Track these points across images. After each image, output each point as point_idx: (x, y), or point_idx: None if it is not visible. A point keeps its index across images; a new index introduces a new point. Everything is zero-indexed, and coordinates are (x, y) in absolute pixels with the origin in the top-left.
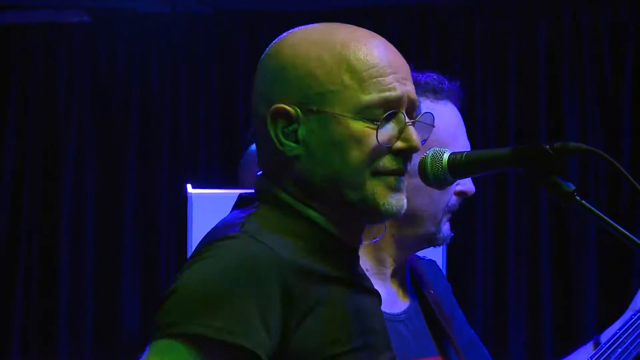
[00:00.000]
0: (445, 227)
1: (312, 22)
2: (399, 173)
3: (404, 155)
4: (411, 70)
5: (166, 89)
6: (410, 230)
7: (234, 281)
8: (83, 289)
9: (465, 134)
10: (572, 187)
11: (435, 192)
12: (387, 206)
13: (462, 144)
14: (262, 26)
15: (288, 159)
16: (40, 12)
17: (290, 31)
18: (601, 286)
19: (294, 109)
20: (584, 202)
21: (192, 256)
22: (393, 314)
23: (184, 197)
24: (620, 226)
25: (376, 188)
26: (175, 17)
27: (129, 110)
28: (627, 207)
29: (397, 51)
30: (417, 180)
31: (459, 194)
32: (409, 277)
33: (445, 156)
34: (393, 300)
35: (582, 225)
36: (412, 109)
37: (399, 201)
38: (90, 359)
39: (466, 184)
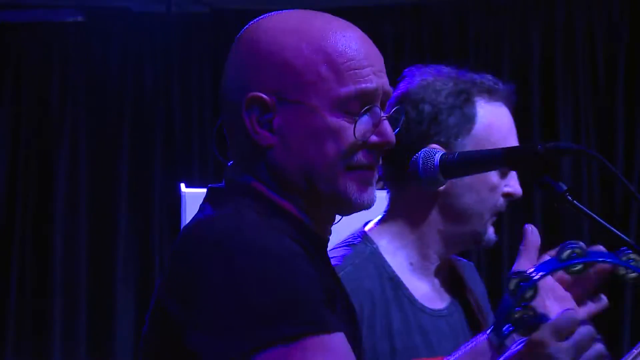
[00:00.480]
0: (491, 230)
1: None
2: (372, 167)
3: (378, 149)
4: (466, 70)
5: (160, 88)
6: (457, 228)
7: (293, 269)
8: (77, 288)
9: (516, 138)
10: (564, 188)
11: (484, 192)
12: (358, 200)
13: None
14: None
15: (262, 149)
16: (34, 12)
17: (264, 16)
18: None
19: (270, 97)
20: (575, 202)
21: (206, 249)
22: (435, 310)
23: (178, 196)
24: (613, 226)
25: (349, 182)
26: (169, 16)
27: (123, 109)
28: (619, 207)
29: (373, 43)
30: (468, 179)
31: (506, 195)
32: (450, 275)
33: (437, 156)
34: (435, 295)
35: (576, 223)
36: (385, 100)
37: (370, 195)
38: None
39: (513, 186)
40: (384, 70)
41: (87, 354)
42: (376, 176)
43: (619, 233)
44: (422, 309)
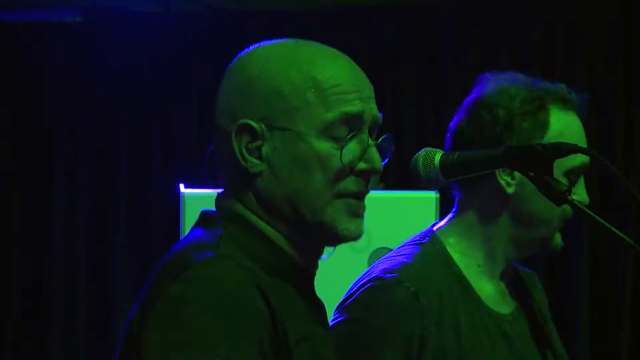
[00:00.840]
0: (558, 236)
1: (305, 22)
2: (360, 196)
3: (366, 176)
4: (540, 78)
5: (159, 88)
6: (525, 232)
7: (231, 310)
8: (76, 289)
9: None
10: (565, 187)
11: None
12: (345, 232)
13: (581, 158)
14: (256, 26)
15: (250, 176)
16: (33, 12)
17: (255, 45)
18: (591, 285)
19: (259, 125)
20: (576, 201)
21: (170, 278)
22: (500, 313)
23: (177, 196)
24: (613, 226)
25: (336, 212)
26: (168, 16)
27: (122, 109)
28: (619, 206)
29: (362, 71)
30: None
31: None
32: (515, 282)
33: (438, 156)
34: (501, 300)
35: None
36: (374, 128)
37: (358, 227)
38: None
39: (581, 194)
40: (373, 97)
41: (86, 355)
42: (364, 207)
43: (619, 233)
44: (488, 311)
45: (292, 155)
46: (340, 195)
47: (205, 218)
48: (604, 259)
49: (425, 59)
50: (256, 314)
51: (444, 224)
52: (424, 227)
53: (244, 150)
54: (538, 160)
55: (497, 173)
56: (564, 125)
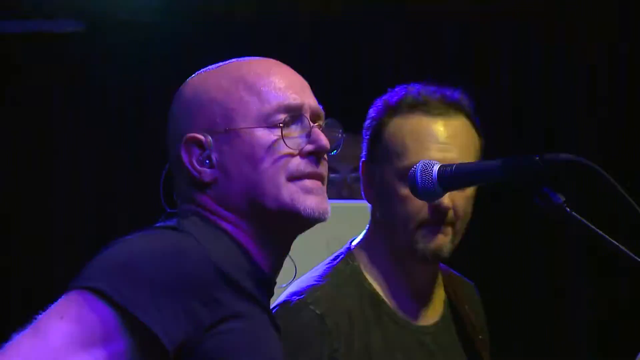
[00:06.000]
0: (422, 241)
1: (305, 30)
2: (315, 176)
3: (316, 157)
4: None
5: (160, 98)
6: (391, 241)
7: (163, 268)
8: None
9: None
10: (562, 199)
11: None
12: (307, 210)
13: None
14: (257, 34)
15: (206, 185)
16: (35, 22)
17: (194, 74)
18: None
19: (204, 135)
20: (573, 213)
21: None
22: (420, 326)
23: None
24: (612, 238)
25: (294, 194)
26: (170, 26)
27: (125, 119)
28: (619, 219)
29: (294, 71)
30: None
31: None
32: (444, 292)
33: (435, 168)
34: (423, 310)
35: (574, 235)
36: (317, 119)
37: (319, 204)
38: None
39: None
40: (310, 91)
41: None
42: (323, 186)
43: (618, 245)
44: (405, 325)
45: (238, 153)
46: (293, 178)
47: (165, 215)
48: (604, 259)
49: (427, 62)
50: (186, 279)
51: (360, 240)
52: None
53: (195, 162)
54: (535, 171)
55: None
56: (394, 129)
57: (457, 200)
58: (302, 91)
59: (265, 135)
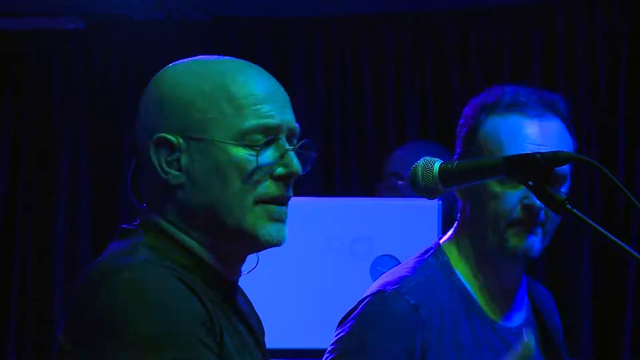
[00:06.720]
0: (515, 239)
1: (306, 29)
2: (282, 201)
3: (286, 181)
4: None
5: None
6: (484, 240)
7: (164, 313)
8: None
9: None
10: (564, 196)
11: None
12: (266, 237)
13: None
14: (258, 33)
15: (171, 188)
16: (34, 19)
17: (171, 65)
18: (595, 296)
19: (176, 137)
20: (575, 210)
21: (90, 288)
22: (505, 326)
23: None
24: (613, 235)
25: (257, 218)
26: (169, 23)
27: (124, 117)
28: (620, 215)
29: (276, 81)
30: None
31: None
32: (526, 297)
33: (437, 165)
34: (508, 311)
35: (576, 235)
36: (292, 137)
37: (279, 231)
38: None
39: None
40: (289, 106)
41: None
42: (286, 211)
43: (620, 242)
44: (491, 324)
45: (209, 165)
46: (260, 201)
47: (122, 232)
48: (606, 258)
49: (427, 66)
50: (195, 309)
51: (449, 236)
52: (426, 235)
53: (163, 163)
54: (537, 169)
55: None
56: (490, 127)
57: None
58: (281, 108)
59: (239, 154)
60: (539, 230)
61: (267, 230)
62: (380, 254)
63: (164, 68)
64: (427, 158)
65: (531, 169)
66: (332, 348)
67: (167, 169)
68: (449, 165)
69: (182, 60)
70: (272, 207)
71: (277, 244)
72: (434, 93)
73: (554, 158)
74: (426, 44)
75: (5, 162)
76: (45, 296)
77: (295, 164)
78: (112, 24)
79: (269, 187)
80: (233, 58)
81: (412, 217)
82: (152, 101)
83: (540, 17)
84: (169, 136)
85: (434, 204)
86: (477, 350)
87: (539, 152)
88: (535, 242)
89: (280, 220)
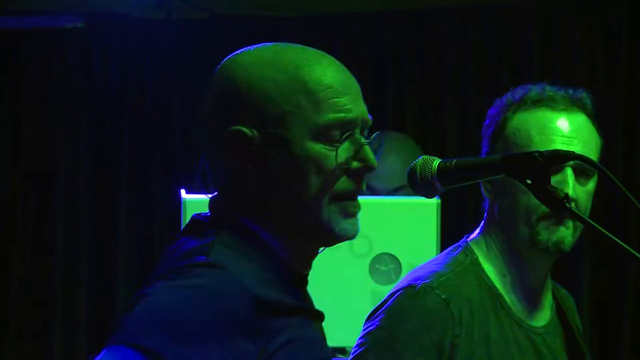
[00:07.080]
0: (545, 232)
1: (305, 27)
2: (355, 196)
3: (360, 175)
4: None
5: (160, 94)
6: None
7: (205, 314)
8: (77, 295)
9: None
10: (563, 195)
11: None
12: (342, 232)
13: None
14: (258, 32)
15: (246, 181)
16: (34, 18)
17: (239, 52)
18: (592, 296)
19: (251, 130)
20: (574, 209)
21: (161, 275)
22: (532, 325)
23: (178, 202)
24: (612, 234)
25: (332, 214)
26: (170, 22)
27: (124, 116)
28: (619, 214)
29: (348, 71)
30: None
31: None
32: (551, 298)
33: (435, 163)
34: (534, 311)
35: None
36: (365, 128)
37: (354, 226)
38: None
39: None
40: (361, 97)
41: (87, 357)
42: (359, 204)
43: (619, 241)
44: (519, 322)
45: (286, 159)
46: (336, 197)
47: (195, 224)
48: (606, 258)
49: (428, 63)
50: (231, 324)
51: (476, 235)
52: (425, 233)
53: (238, 156)
54: (535, 167)
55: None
56: (518, 123)
57: (579, 194)
58: (356, 100)
59: (317, 149)
60: (570, 223)
61: (343, 225)
62: (379, 252)
63: (231, 56)
64: (426, 156)
65: (530, 167)
66: (361, 342)
67: (242, 162)
68: (448, 164)
69: (249, 48)
70: (347, 203)
71: (352, 237)
72: (434, 93)
73: (553, 156)
74: (426, 44)
75: (5, 157)
76: (46, 296)
77: (372, 159)
78: (112, 23)
79: (345, 183)
80: (304, 46)
81: (412, 215)
82: (224, 92)
83: (539, 17)
84: (245, 129)
85: (434, 202)
86: (505, 347)
87: (537, 151)
88: (567, 235)
89: (354, 215)
